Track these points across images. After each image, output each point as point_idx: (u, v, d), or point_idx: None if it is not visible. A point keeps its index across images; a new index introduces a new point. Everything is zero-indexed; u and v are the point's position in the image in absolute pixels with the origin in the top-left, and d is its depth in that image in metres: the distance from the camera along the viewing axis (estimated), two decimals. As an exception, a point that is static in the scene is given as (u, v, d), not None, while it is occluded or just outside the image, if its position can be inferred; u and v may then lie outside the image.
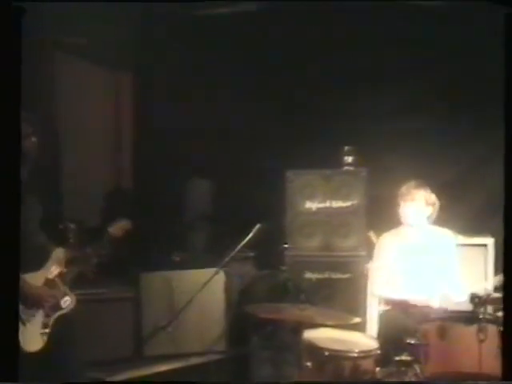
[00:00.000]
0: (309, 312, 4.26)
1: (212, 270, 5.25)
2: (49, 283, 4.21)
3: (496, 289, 4.66)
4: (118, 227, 4.57)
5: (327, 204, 5.83)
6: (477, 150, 6.08)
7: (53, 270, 4.24)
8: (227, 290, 5.72)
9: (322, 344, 4.34)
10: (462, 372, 4.05)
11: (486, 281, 5.16)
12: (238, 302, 5.70)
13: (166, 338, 5.30)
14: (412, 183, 5.05)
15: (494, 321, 4.11)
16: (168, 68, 6.79)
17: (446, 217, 5.05)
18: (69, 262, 4.31)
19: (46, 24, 5.66)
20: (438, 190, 5.08)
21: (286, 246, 5.74)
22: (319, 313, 4.38)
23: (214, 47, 6.57)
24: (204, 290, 5.17)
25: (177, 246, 6.18)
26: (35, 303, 4.09)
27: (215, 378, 5.40)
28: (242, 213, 6.10)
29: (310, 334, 4.41)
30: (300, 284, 5.52)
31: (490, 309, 4.39)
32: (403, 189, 5.05)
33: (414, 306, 4.73)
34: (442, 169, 5.99)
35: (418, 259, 4.99)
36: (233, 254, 5.18)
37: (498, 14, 3.75)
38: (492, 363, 3.99)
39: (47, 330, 4.11)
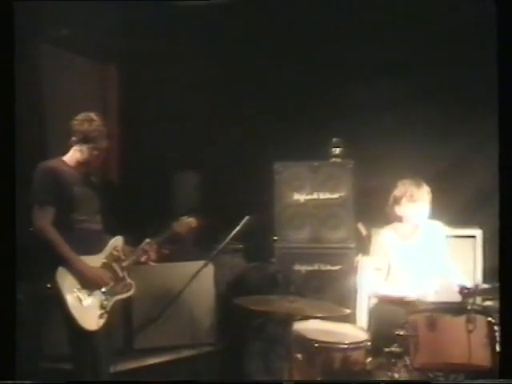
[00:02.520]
0: (298, 304, 4.27)
1: (201, 263, 5.24)
2: (106, 267, 4.35)
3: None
4: (183, 223, 4.76)
5: (315, 196, 5.84)
6: (465, 143, 6.11)
7: (109, 256, 4.38)
8: (217, 282, 5.71)
9: (311, 336, 4.36)
10: (451, 362, 4.09)
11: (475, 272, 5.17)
12: (228, 294, 5.68)
13: (156, 331, 5.29)
14: (411, 182, 4.93)
15: (482, 311, 4.16)
16: (155, 59, 6.76)
17: (435, 209, 5.06)
18: (127, 250, 4.49)
19: (31, 16, 5.61)
20: (427, 183, 5.08)
21: (275, 238, 5.76)
22: (309, 305, 4.40)
23: (201, 38, 6.55)
24: (193, 283, 5.16)
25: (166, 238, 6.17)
26: (92, 283, 4.20)
27: (205, 371, 5.40)
28: (231, 205, 6.09)
29: (299, 326, 4.43)
30: (289, 276, 5.55)
31: (478, 299, 4.45)
32: (403, 189, 4.92)
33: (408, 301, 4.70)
34: (430, 161, 6.01)
35: (416, 255, 4.97)
36: (222, 246, 5.18)
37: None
38: (481, 353, 4.05)
39: (105, 311, 4.23)
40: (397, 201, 4.95)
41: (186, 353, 5.49)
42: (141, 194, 6.55)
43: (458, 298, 4.33)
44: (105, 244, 4.41)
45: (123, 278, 4.42)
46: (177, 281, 5.32)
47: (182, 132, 6.63)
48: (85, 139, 4.33)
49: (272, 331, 5.36)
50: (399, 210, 4.96)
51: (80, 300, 4.15)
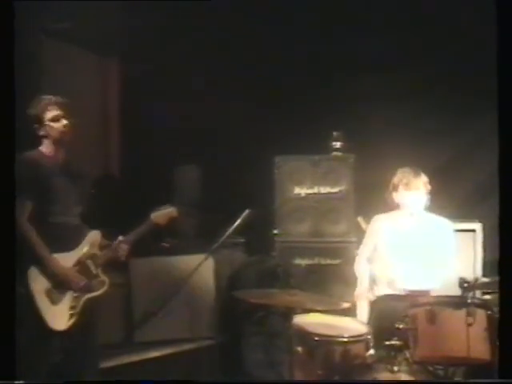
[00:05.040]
0: (299, 297, 4.26)
1: (201, 256, 5.25)
2: (80, 264, 4.23)
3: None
4: (162, 214, 4.50)
5: (316, 190, 5.85)
6: (466, 137, 6.12)
7: (85, 252, 4.26)
8: (217, 275, 5.73)
9: (312, 329, 4.35)
10: (450, 355, 4.09)
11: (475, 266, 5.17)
12: (228, 287, 5.69)
13: (157, 325, 5.31)
14: (409, 171, 4.95)
15: (482, 305, 4.16)
16: (156, 54, 6.75)
17: (435, 202, 5.06)
18: (103, 246, 4.34)
19: (33, 10, 5.61)
20: (427, 176, 5.08)
21: (275, 231, 5.76)
22: (309, 298, 4.39)
23: (201, 32, 6.55)
24: (194, 276, 5.18)
25: (166, 232, 6.17)
26: (63, 283, 4.11)
27: (206, 364, 5.42)
28: (231, 199, 6.11)
29: (299, 320, 4.42)
30: (290, 270, 5.55)
31: (478, 293, 4.45)
32: (400, 176, 4.95)
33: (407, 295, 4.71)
34: (430, 155, 6.01)
35: (408, 243, 4.97)
36: (222, 239, 5.19)
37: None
38: (480, 347, 4.04)
39: (75, 311, 4.14)
40: (394, 187, 5.00)
41: (186, 346, 5.51)
42: (141, 187, 6.55)
43: (457, 291, 4.32)
44: (82, 239, 4.27)
45: (97, 275, 4.27)
46: (177, 274, 5.34)
47: (182, 126, 6.62)
48: (53, 119, 4.17)
49: (272, 325, 5.37)
50: (396, 196, 5.01)
51: (50, 301, 4.05)
